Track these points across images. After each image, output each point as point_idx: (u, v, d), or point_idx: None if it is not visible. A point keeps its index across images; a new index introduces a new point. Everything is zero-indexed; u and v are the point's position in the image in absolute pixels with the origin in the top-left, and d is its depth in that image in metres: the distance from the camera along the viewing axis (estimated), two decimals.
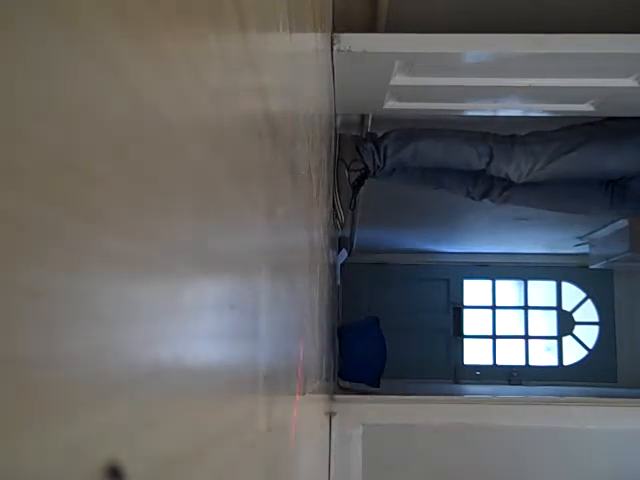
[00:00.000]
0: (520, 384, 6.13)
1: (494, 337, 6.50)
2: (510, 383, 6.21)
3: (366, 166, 2.69)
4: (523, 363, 6.44)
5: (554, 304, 6.53)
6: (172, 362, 0.32)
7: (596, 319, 6.45)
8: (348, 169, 2.73)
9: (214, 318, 0.42)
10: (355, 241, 5.05)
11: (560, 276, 6.49)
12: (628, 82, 2.31)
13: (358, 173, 2.74)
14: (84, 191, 0.22)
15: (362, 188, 2.86)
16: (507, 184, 2.74)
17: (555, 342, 6.47)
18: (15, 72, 0.18)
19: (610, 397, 2.65)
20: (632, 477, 2.38)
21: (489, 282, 6.58)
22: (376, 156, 2.67)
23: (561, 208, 3.03)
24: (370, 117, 2.98)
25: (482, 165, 2.64)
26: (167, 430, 0.32)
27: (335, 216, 2.75)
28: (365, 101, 2.57)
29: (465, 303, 6.58)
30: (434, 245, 6.23)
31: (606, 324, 6.39)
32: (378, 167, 2.70)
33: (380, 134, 2.76)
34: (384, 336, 4.44)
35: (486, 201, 2.92)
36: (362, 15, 2.25)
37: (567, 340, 6.46)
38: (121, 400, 0.25)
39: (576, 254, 5.99)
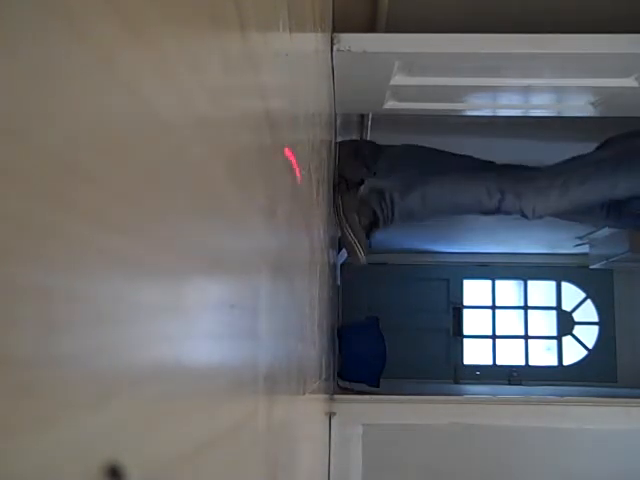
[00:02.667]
0: (520, 384, 6.13)
1: (494, 337, 6.50)
2: (510, 383, 6.21)
3: (374, 212, 2.54)
4: (523, 363, 6.44)
5: (554, 304, 6.53)
6: (172, 362, 0.32)
7: (596, 319, 6.45)
8: (358, 214, 2.52)
9: (214, 318, 0.42)
10: None
11: (560, 276, 6.49)
12: (628, 82, 2.31)
13: (369, 219, 2.55)
14: (84, 191, 0.22)
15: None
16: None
17: (555, 342, 6.47)
18: (15, 72, 0.18)
19: (610, 397, 2.65)
20: (632, 477, 2.38)
21: (489, 282, 6.58)
22: (383, 204, 2.52)
23: (557, 216, 2.97)
24: (370, 117, 2.98)
25: (494, 202, 2.53)
26: (167, 430, 0.31)
27: (351, 254, 2.54)
28: (365, 101, 2.57)
29: (465, 303, 6.57)
30: (434, 245, 6.23)
31: (606, 324, 6.39)
32: (387, 216, 2.54)
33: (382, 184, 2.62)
34: (384, 336, 4.44)
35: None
36: (362, 15, 2.25)
37: (567, 340, 6.46)
38: (121, 400, 0.25)
39: (576, 254, 5.99)
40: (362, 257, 2.57)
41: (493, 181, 2.52)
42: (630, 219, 2.73)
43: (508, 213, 2.57)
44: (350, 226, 2.51)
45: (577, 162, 2.56)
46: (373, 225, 2.57)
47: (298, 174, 0.82)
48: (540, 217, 2.57)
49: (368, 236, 2.59)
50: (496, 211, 2.56)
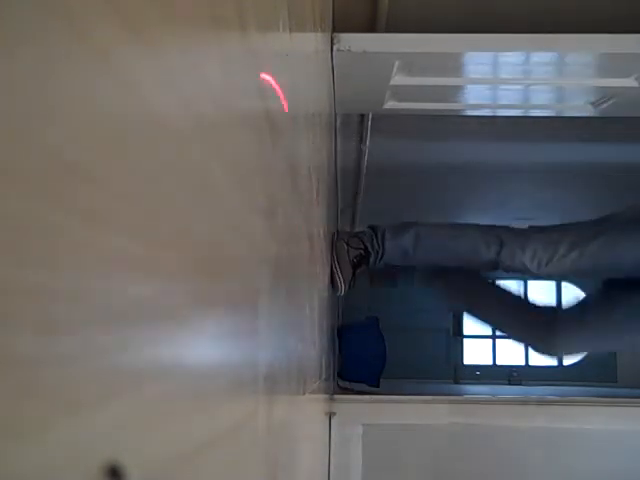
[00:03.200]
0: (520, 384, 6.13)
1: (494, 337, 6.50)
2: (510, 383, 6.21)
3: (365, 247, 2.39)
4: (523, 363, 6.45)
5: (554, 304, 6.53)
6: (172, 362, 0.32)
7: None
8: (347, 244, 2.37)
9: (214, 318, 0.42)
10: None
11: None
12: (628, 82, 2.31)
13: (359, 252, 2.39)
14: (84, 191, 0.22)
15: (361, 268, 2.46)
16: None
17: None
18: (15, 72, 0.18)
19: (610, 397, 2.65)
20: (632, 477, 2.38)
21: None
22: (374, 240, 2.39)
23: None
24: (370, 117, 2.99)
25: (492, 254, 2.31)
26: (167, 430, 0.31)
27: (333, 284, 2.36)
28: (365, 101, 2.57)
29: None
30: None
31: None
32: (377, 252, 2.40)
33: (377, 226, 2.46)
34: (384, 336, 4.44)
35: None
36: (362, 15, 2.25)
37: None
38: (121, 400, 0.25)
39: None
40: (342, 289, 2.40)
41: (494, 235, 2.33)
42: None
43: (509, 267, 2.34)
44: (337, 253, 2.35)
45: (591, 222, 2.35)
46: (362, 260, 2.42)
47: (283, 101, 0.74)
48: (548, 274, 2.34)
49: (354, 272, 2.42)
50: (495, 264, 2.34)
